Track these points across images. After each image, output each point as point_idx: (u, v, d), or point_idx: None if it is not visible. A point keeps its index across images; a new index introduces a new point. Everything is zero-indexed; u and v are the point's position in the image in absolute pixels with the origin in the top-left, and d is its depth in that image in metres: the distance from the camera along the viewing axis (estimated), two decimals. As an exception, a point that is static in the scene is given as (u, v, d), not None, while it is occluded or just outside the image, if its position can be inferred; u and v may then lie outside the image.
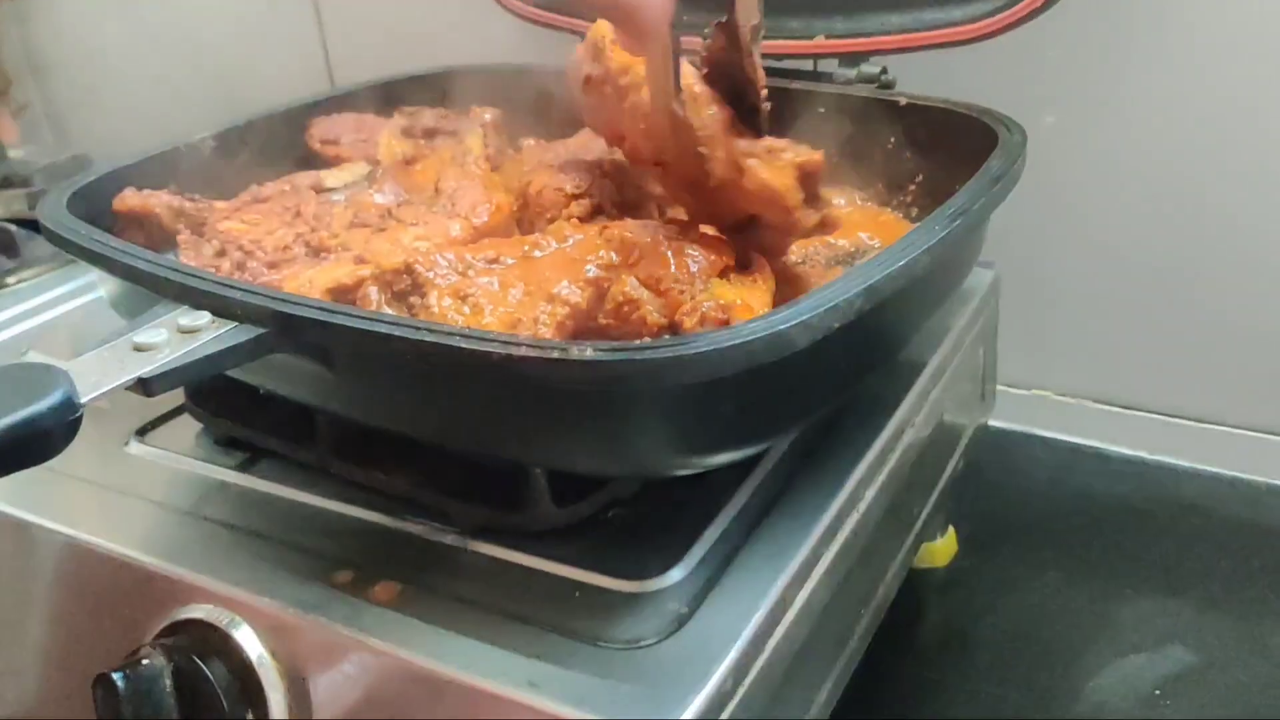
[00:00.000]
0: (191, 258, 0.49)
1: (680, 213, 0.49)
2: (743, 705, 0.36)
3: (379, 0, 0.92)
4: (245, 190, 0.55)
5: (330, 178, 0.59)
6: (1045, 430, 0.79)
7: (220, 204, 0.54)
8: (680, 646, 0.37)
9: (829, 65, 0.63)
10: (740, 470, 0.45)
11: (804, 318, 0.33)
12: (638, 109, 0.46)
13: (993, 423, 0.71)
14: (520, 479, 0.41)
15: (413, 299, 0.41)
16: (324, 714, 0.38)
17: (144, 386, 0.33)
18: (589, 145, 0.57)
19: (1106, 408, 0.79)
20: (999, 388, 0.69)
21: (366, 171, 0.60)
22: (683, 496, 0.44)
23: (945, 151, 0.55)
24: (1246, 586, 0.64)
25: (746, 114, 0.43)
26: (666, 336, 0.33)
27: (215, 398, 0.49)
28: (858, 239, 0.53)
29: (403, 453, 0.44)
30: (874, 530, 0.47)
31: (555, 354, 0.32)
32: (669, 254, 0.42)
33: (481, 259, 0.43)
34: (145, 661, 0.38)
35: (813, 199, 0.43)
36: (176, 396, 0.51)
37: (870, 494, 0.46)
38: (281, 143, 0.63)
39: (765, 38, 0.63)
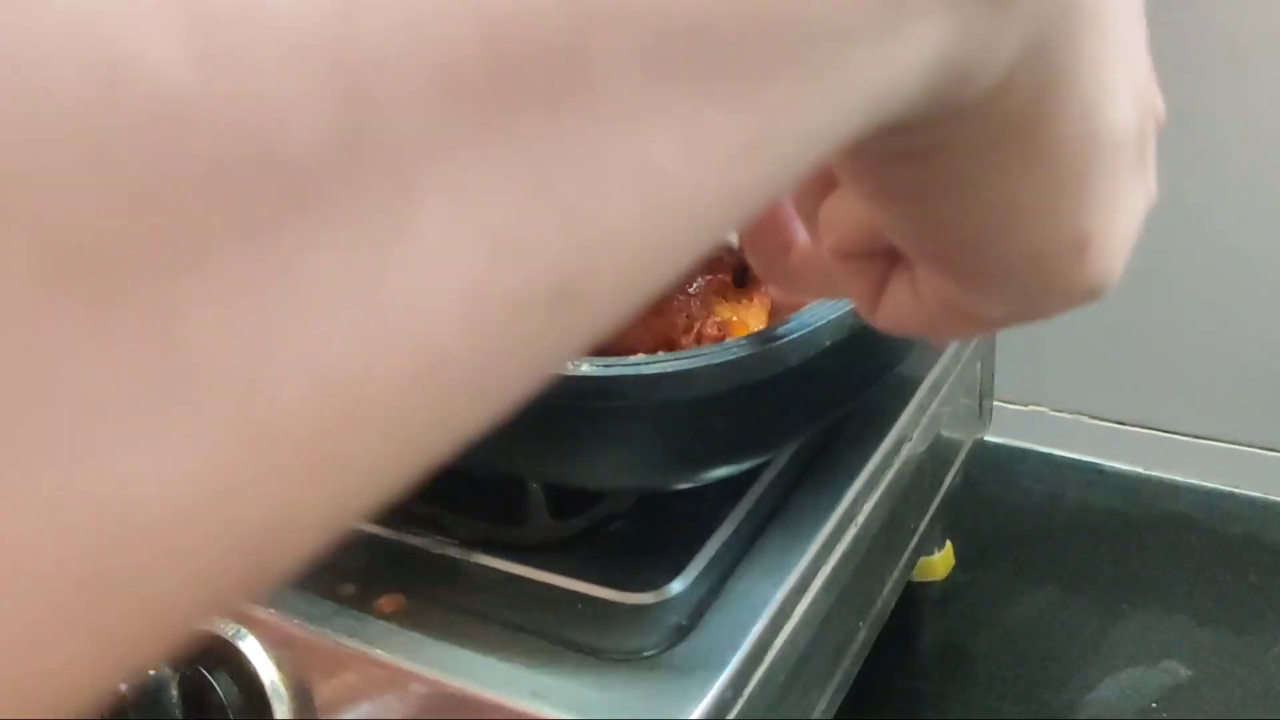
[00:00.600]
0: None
1: None
2: (743, 715, 0.37)
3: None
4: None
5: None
6: (1042, 445, 0.79)
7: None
8: (681, 657, 0.37)
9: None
10: (739, 484, 0.45)
11: (795, 335, 0.34)
12: None
13: (990, 438, 0.72)
14: (518, 493, 0.41)
15: None
16: (328, 724, 0.39)
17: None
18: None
19: (1103, 423, 0.79)
20: (996, 403, 0.70)
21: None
22: (683, 510, 0.44)
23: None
24: (1242, 601, 0.65)
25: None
26: (661, 353, 0.34)
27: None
28: None
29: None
30: (872, 543, 0.47)
31: (553, 369, 0.33)
32: None
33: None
34: (152, 672, 0.38)
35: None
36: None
37: (868, 507, 0.47)
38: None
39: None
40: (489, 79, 0.09)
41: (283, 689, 0.39)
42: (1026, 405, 0.81)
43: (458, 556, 0.42)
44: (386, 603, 0.40)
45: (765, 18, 0.10)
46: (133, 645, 0.09)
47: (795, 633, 0.40)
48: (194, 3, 0.08)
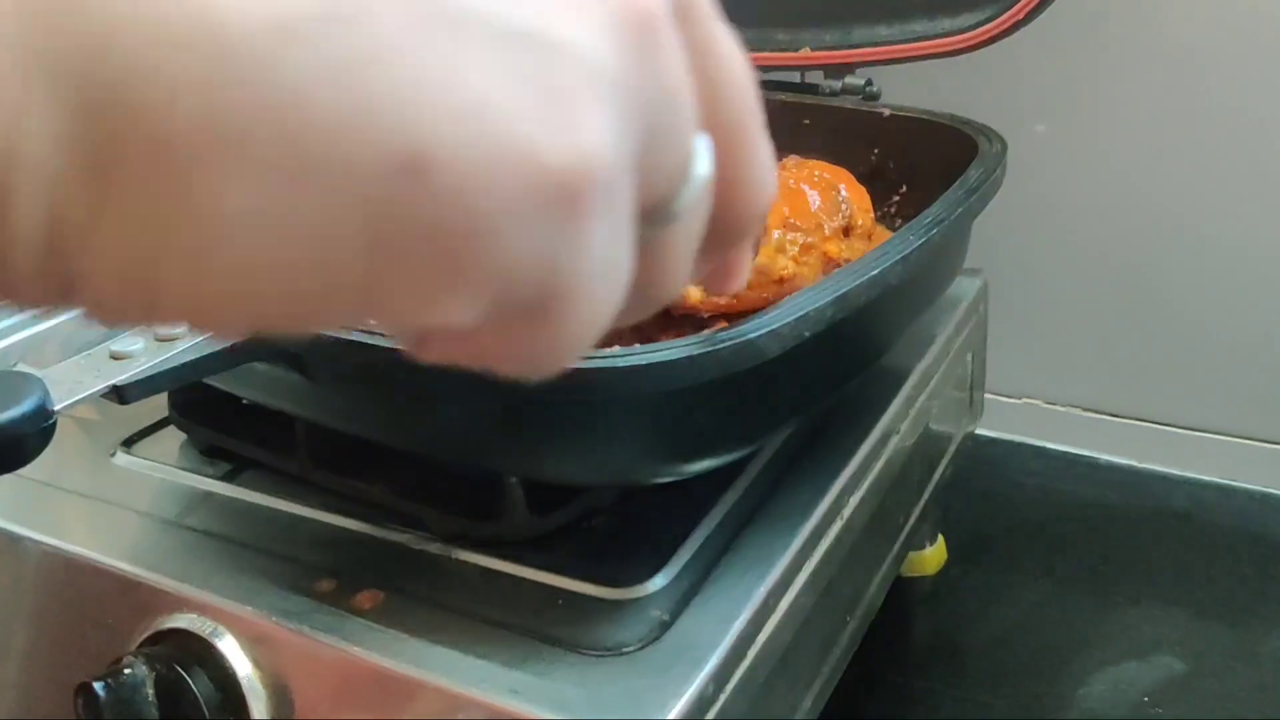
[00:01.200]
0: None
1: None
2: (725, 711, 0.36)
3: None
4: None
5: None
6: (1035, 439, 0.79)
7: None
8: (662, 653, 0.37)
9: (815, 77, 0.63)
10: (724, 477, 0.45)
11: (774, 327, 0.34)
12: None
13: (982, 431, 0.72)
14: (497, 488, 0.41)
15: None
16: (306, 722, 0.38)
17: (119, 394, 0.33)
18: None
19: (1096, 416, 0.79)
20: (988, 396, 0.69)
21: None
22: (666, 504, 0.44)
23: (928, 162, 0.55)
24: (1235, 593, 0.64)
25: None
26: (637, 345, 0.34)
27: (200, 409, 0.50)
28: None
29: (383, 462, 0.44)
30: (859, 537, 0.47)
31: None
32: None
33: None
34: (127, 671, 0.38)
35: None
36: (162, 408, 0.51)
37: (855, 500, 0.46)
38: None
39: (752, 50, 0.63)
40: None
41: (260, 687, 0.38)
42: (1019, 399, 0.80)
43: (437, 553, 0.42)
44: (364, 599, 0.39)
45: None
46: None
47: (779, 628, 0.40)
48: None
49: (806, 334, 0.35)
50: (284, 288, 0.13)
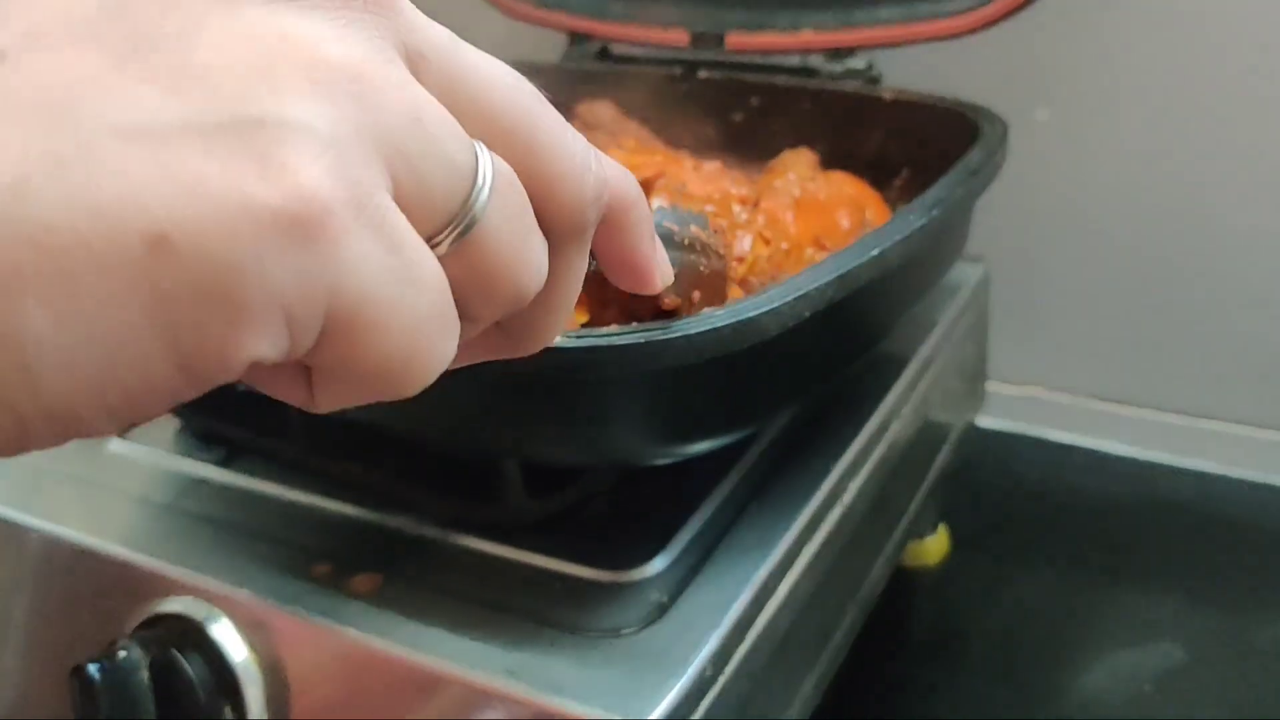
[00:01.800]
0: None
1: None
2: (724, 693, 0.36)
3: None
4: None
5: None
6: (1037, 428, 0.78)
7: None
8: (661, 635, 0.36)
9: (816, 60, 0.63)
10: (723, 462, 0.45)
11: (773, 305, 0.33)
12: None
13: (985, 421, 0.71)
14: (494, 472, 0.40)
15: None
16: (302, 706, 0.38)
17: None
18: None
19: (1099, 405, 0.79)
20: (990, 385, 0.69)
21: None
22: (665, 488, 0.43)
23: (929, 145, 0.55)
24: (1236, 583, 0.64)
25: None
26: (635, 324, 0.33)
27: (197, 393, 0.49)
28: None
29: (380, 447, 0.44)
30: (859, 523, 0.47)
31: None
32: None
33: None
34: (123, 654, 0.38)
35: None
36: (160, 393, 0.51)
37: (855, 485, 0.46)
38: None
39: (754, 31, 0.63)
40: None
41: (255, 670, 0.38)
42: (1022, 387, 0.80)
43: (434, 537, 0.42)
44: (361, 582, 0.39)
45: None
46: None
47: (778, 612, 0.40)
48: None
49: (807, 313, 0.34)
50: (111, 376, 0.16)
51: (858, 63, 0.61)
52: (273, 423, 0.46)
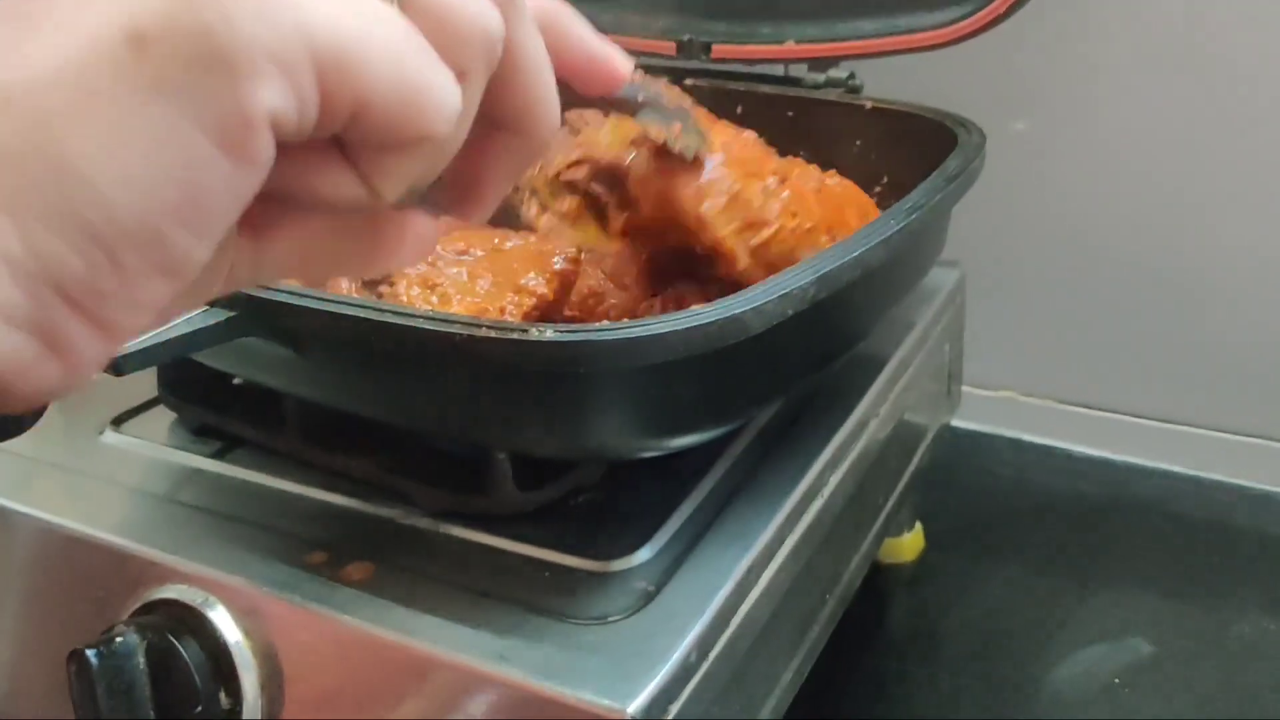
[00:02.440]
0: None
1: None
2: (707, 679, 0.37)
3: None
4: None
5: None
6: (1011, 430, 0.80)
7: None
8: (646, 622, 0.38)
9: (799, 70, 0.64)
10: (707, 456, 0.46)
11: (758, 303, 0.35)
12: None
13: (960, 422, 0.73)
14: (485, 464, 0.41)
15: (382, 287, 0.42)
16: (297, 690, 0.39)
17: (114, 365, 0.34)
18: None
19: (1071, 408, 0.80)
20: (966, 388, 0.71)
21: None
22: (650, 481, 0.45)
23: (909, 153, 0.56)
24: (1205, 581, 0.66)
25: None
26: (626, 319, 0.34)
27: (189, 387, 0.50)
28: None
29: (372, 439, 0.45)
30: (838, 518, 0.48)
31: (516, 335, 0.33)
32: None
33: (451, 251, 0.44)
34: (119, 639, 0.38)
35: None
36: (151, 387, 0.52)
37: (834, 480, 0.47)
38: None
39: (739, 42, 0.64)
40: None
41: (250, 656, 0.39)
42: (996, 390, 0.82)
43: (425, 528, 0.43)
44: (355, 570, 0.40)
45: None
46: None
47: (760, 601, 0.41)
48: None
49: (789, 311, 0.36)
50: (163, 174, 0.18)
51: (840, 73, 0.62)
52: (267, 417, 0.47)
